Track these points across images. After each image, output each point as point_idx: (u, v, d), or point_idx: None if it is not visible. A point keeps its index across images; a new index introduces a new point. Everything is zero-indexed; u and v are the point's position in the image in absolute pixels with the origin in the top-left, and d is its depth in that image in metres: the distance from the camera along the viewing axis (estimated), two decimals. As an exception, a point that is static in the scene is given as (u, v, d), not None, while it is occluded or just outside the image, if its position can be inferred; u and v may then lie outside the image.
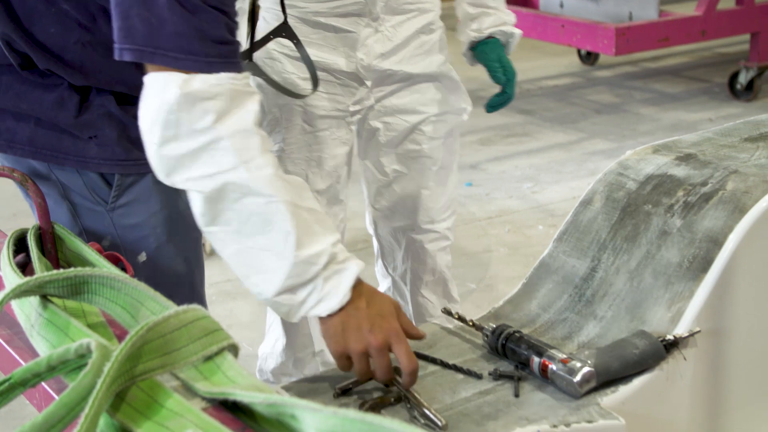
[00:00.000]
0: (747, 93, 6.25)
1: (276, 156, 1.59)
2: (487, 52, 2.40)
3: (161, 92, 1.39)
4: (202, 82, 1.37)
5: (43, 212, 1.53)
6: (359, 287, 1.46)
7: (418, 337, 1.49)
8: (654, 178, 1.70)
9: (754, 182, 1.60)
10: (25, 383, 1.14)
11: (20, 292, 1.24)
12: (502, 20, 2.41)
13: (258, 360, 2.67)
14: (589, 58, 7.46)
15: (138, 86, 1.44)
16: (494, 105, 2.41)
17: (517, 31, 2.41)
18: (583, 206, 1.74)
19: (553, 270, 1.71)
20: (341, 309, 1.44)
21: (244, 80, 1.43)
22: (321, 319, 1.47)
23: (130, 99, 1.60)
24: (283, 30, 2.02)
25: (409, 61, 2.33)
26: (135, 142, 1.55)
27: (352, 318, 1.44)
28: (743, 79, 6.27)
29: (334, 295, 1.43)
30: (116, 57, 1.42)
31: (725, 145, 1.80)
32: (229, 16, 1.43)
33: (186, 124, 1.37)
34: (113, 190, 1.67)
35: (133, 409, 1.11)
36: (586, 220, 1.72)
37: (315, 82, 2.11)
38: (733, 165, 1.68)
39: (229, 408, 1.14)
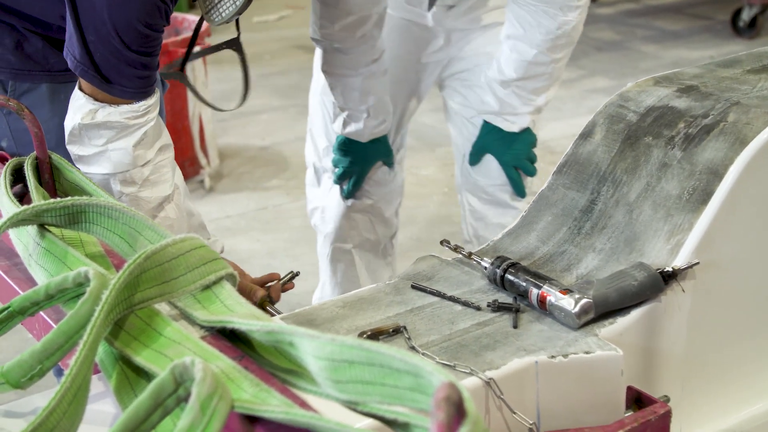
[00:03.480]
0: (750, 30, 6.20)
1: None
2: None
3: (74, 112, 1.75)
4: (104, 116, 1.73)
5: (40, 142, 1.52)
6: None
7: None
8: (655, 110, 1.69)
9: (755, 114, 1.58)
10: (24, 311, 1.15)
11: (17, 221, 1.23)
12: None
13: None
14: (590, -6, 7.39)
15: (41, 16, 1.81)
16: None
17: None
18: (583, 139, 1.73)
19: (553, 202, 1.70)
20: None
21: (144, 107, 1.75)
22: None
23: (32, 18, 1.84)
24: (234, 44, 2.17)
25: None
26: (31, 55, 1.85)
27: None
28: (746, 16, 6.21)
29: None
30: (63, 55, 1.75)
31: (727, 76, 1.78)
32: (151, 54, 1.73)
33: (86, 139, 1.75)
34: (8, 95, 1.87)
35: (131, 337, 1.11)
36: (586, 152, 1.71)
37: (244, 97, 2.24)
38: (735, 96, 1.66)
39: (227, 336, 1.14)
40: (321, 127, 2.50)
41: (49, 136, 1.86)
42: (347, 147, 2.39)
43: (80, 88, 1.76)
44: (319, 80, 2.44)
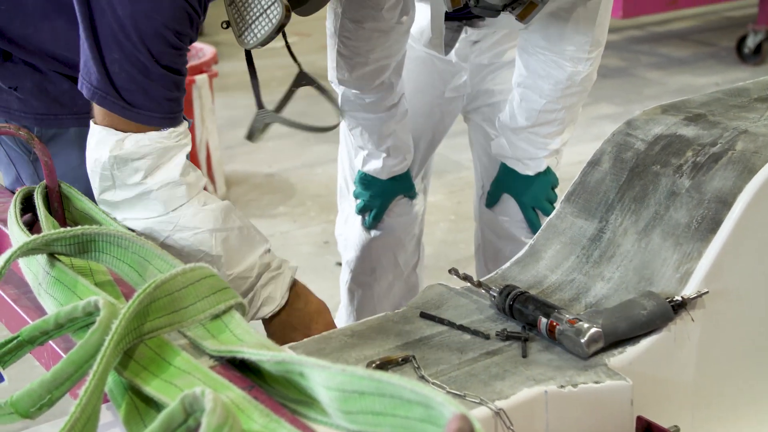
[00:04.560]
0: (755, 57, 6.22)
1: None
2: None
3: (97, 149, 1.55)
4: (132, 143, 1.53)
5: (50, 171, 1.53)
6: (296, 288, 1.69)
7: None
8: (663, 138, 1.69)
9: (764, 142, 1.58)
10: (34, 341, 1.15)
11: (27, 250, 1.24)
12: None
13: None
14: (595, 21, 7.40)
15: (66, 51, 1.63)
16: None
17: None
18: (591, 167, 1.73)
19: (561, 231, 1.70)
20: (281, 310, 1.66)
21: (176, 134, 1.57)
22: (264, 321, 1.67)
23: (56, 56, 1.70)
24: (303, 78, 1.99)
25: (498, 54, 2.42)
26: (57, 98, 1.69)
27: (292, 317, 1.66)
28: (751, 42, 6.23)
29: (272, 299, 1.65)
30: (78, 87, 1.57)
31: (735, 105, 1.79)
32: (180, 72, 1.56)
33: (119, 180, 1.54)
34: None
35: (141, 367, 1.11)
36: (594, 180, 1.71)
37: (340, 113, 2.14)
38: (743, 125, 1.66)
39: (237, 366, 1.14)
40: (346, 155, 2.51)
41: (78, 185, 1.69)
42: (368, 182, 2.39)
43: (95, 122, 1.57)
44: None
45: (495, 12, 1.82)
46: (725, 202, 1.53)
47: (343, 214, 2.58)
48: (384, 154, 2.32)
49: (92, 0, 1.50)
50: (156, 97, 1.54)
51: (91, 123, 1.58)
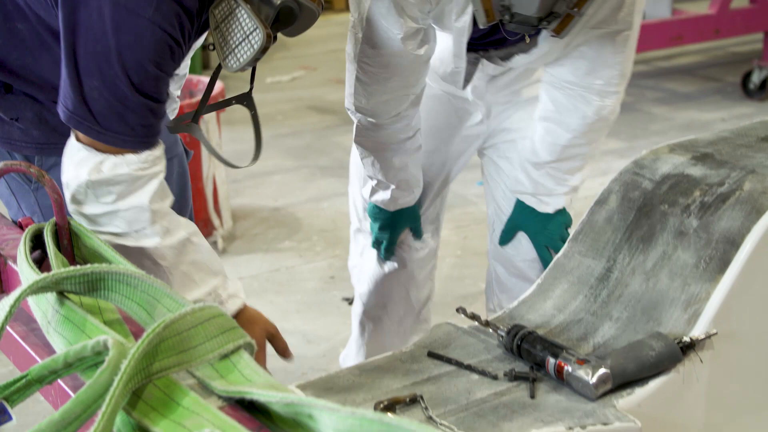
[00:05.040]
0: (760, 92, 6.22)
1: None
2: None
3: (77, 167, 1.65)
4: (110, 168, 1.64)
5: (60, 208, 1.53)
6: (239, 319, 1.73)
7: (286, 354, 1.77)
8: (670, 177, 1.69)
9: (771, 183, 1.59)
10: (42, 380, 1.14)
11: (37, 288, 1.24)
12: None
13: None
14: (601, 56, 7.42)
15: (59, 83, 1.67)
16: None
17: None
18: (598, 206, 1.74)
19: (568, 270, 1.70)
20: None
21: (152, 158, 1.67)
22: None
23: (55, 86, 1.73)
24: (245, 99, 2.02)
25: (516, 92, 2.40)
26: (56, 127, 1.75)
27: None
28: (756, 78, 6.24)
29: None
30: (57, 109, 1.67)
31: (742, 144, 1.79)
32: (157, 100, 1.66)
33: (92, 198, 1.66)
34: None
35: (149, 408, 1.11)
36: (602, 219, 1.71)
37: (257, 155, 2.09)
38: (750, 165, 1.67)
39: (246, 407, 1.14)
40: (358, 188, 2.52)
41: None
42: (376, 213, 2.40)
43: (78, 139, 1.66)
44: None
45: (530, 27, 1.81)
46: (733, 243, 1.53)
47: (358, 246, 2.58)
48: (393, 186, 2.33)
49: (78, 28, 1.59)
50: (131, 123, 1.63)
51: (73, 139, 1.67)
